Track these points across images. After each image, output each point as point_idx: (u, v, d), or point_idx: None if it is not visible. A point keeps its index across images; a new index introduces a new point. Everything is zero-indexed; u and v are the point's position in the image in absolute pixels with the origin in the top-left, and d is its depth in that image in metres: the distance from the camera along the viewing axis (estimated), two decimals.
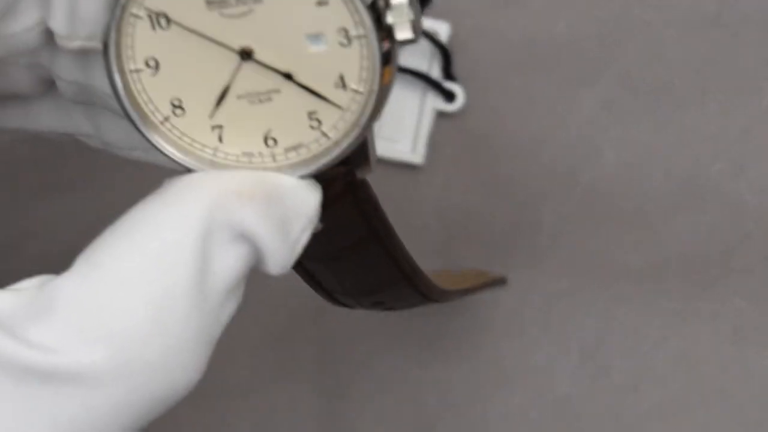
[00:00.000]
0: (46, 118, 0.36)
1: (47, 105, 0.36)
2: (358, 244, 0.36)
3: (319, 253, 0.34)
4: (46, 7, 0.32)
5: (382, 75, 0.31)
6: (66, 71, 0.34)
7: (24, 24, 0.32)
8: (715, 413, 0.49)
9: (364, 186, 0.35)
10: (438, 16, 0.54)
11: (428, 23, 0.54)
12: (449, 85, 0.54)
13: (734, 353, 0.50)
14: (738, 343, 0.49)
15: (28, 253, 0.50)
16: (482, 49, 0.53)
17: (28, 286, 0.30)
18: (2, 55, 0.32)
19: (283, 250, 0.31)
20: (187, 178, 0.31)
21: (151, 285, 0.29)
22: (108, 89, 0.33)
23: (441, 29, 0.54)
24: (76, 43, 0.32)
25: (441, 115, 0.54)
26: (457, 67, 0.54)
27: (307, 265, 0.37)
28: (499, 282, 0.50)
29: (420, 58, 0.55)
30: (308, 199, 0.32)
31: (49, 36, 0.33)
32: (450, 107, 0.54)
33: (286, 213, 0.31)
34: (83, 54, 0.33)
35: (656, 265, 0.51)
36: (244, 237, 0.30)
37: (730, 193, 0.51)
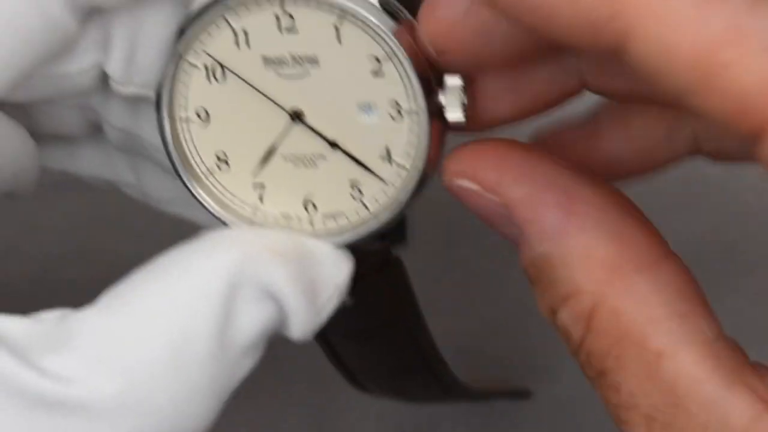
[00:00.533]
0: (90, 163, 0.36)
1: (93, 150, 0.36)
2: (385, 325, 0.36)
3: (344, 329, 0.34)
4: (105, 51, 0.32)
5: (428, 153, 0.31)
6: (116, 117, 0.34)
7: (80, 65, 0.32)
8: None
9: (397, 264, 0.34)
10: None
11: None
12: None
13: None
14: (737, 343, 0.49)
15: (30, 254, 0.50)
16: None
17: (49, 316, 0.30)
18: (54, 94, 0.33)
19: (308, 315, 0.30)
20: (221, 231, 0.31)
21: (172, 327, 0.29)
22: (155, 140, 0.33)
23: None
24: (131, 89, 0.32)
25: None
26: None
27: (331, 338, 0.37)
28: (523, 394, 0.49)
29: None
30: (340, 268, 0.31)
31: (102, 79, 0.33)
32: None
33: (317, 278, 0.31)
34: (135, 101, 0.33)
35: None
36: (272, 296, 0.30)
37: (730, 193, 0.51)
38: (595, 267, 0.28)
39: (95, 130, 0.35)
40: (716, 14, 0.22)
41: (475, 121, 0.31)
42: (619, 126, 0.33)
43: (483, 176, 0.30)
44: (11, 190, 0.34)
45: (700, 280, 0.46)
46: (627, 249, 0.28)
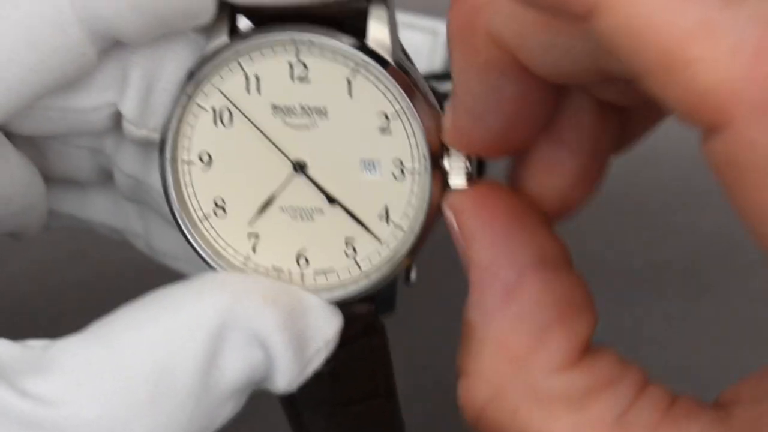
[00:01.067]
0: (99, 209, 0.36)
1: (102, 196, 0.36)
2: (359, 397, 0.35)
3: (314, 397, 0.33)
4: (121, 90, 0.32)
5: (426, 216, 0.31)
6: (126, 163, 0.34)
7: (94, 102, 0.32)
8: None
9: (381, 333, 0.34)
10: (438, 16, 0.54)
11: (428, 23, 0.54)
12: (450, 86, 0.54)
13: (734, 353, 0.50)
14: (738, 343, 0.49)
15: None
16: None
17: (38, 343, 0.29)
18: (67, 130, 0.33)
19: (294, 366, 0.30)
20: (216, 273, 0.31)
21: (156, 361, 0.29)
22: (162, 191, 0.33)
23: (441, 29, 0.54)
24: (142, 132, 0.32)
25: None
26: None
27: (299, 404, 0.35)
28: None
29: (416, 56, 0.55)
30: (330, 323, 0.31)
31: (115, 122, 0.33)
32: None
33: (306, 330, 0.30)
34: (146, 149, 0.33)
35: (656, 265, 0.51)
36: (259, 342, 0.30)
37: None
38: (500, 357, 0.28)
39: (106, 177, 0.35)
40: (690, 6, 0.22)
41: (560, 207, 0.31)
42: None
43: (464, 223, 0.29)
44: (17, 229, 0.34)
45: (701, 280, 0.46)
46: (536, 346, 0.28)
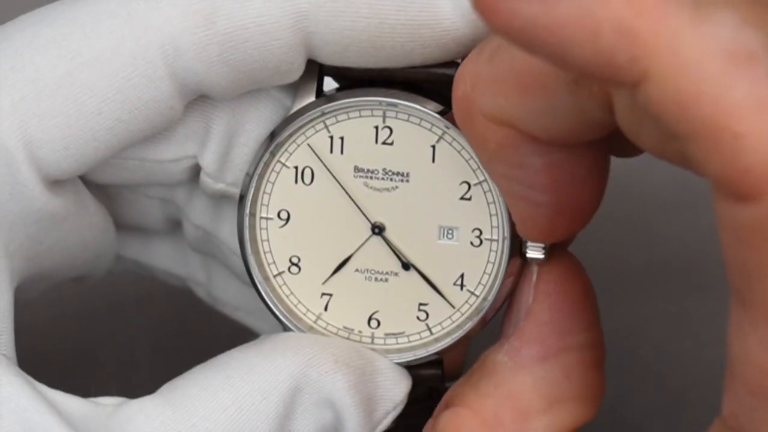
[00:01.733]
0: (163, 257, 0.36)
1: (168, 244, 0.36)
2: None
3: None
4: (201, 143, 0.32)
5: (501, 285, 0.31)
6: (196, 215, 0.34)
7: (174, 154, 0.32)
8: (715, 413, 0.49)
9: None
10: None
11: None
12: None
13: None
14: None
15: None
16: None
17: (108, 401, 0.30)
18: (143, 180, 0.33)
19: (363, 428, 0.30)
20: (287, 334, 0.31)
21: (230, 425, 0.29)
22: (231, 243, 0.33)
23: None
24: (220, 186, 0.32)
25: None
26: None
27: None
28: None
29: None
30: (399, 385, 0.31)
31: (192, 174, 0.33)
32: None
33: (376, 392, 0.31)
34: (217, 201, 0.33)
35: (656, 265, 0.51)
36: (330, 404, 0.30)
37: None
38: (508, 409, 0.30)
39: (173, 227, 0.35)
40: (740, 79, 0.22)
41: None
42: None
43: (542, 280, 0.31)
44: (86, 273, 0.34)
45: (700, 280, 0.46)
46: (548, 414, 0.30)
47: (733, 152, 0.22)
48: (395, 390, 0.31)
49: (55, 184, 0.31)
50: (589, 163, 0.29)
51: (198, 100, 0.31)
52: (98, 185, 0.33)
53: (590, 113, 0.26)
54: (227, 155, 0.32)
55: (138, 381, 0.45)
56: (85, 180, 0.32)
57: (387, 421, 0.31)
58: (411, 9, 0.30)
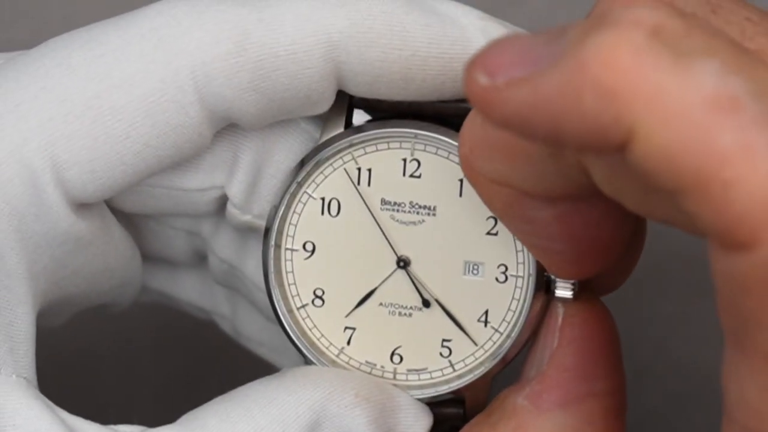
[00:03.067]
0: (189, 289, 0.36)
1: (193, 277, 0.36)
2: None
3: None
4: (229, 174, 0.32)
5: (526, 323, 0.31)
6: (222, 248, 0.34)
7: (202, 184, 0.32)
8: (714, 414, 0.49)
9: None
10: None
11: None
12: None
13: None
14: None
15: None
16: None
17: (127, 430, 0.29)
18: (169, 210, 0.32)
19: None
20: (308, 368, 0.31)
21: None
22: (256, 277, 0.33)
23: None
24: (247, 218, 0.32)
25: None
26: None
27: None
28: None
29: None
30: (420, 421, 0.31)
31: (218, 205, 0.32)
32: None
33: (396, 428, 0.31)
34: (243, 235, 0.33)
35: (656, 265, 0.51)
36: None
37: None
38: None
39: (199, 259, 0.35)
40: (726, 126, 0.22)
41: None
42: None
43: (567, 326, 0.30)
44: (111, 301, 0.34)
45: (700, 280, 0.46)
46: None
47: (723, 201, 0.22)
48: (416, 427, 0.31)
49: (81, 207, 0.30)
50: (603, 207, 0.28)
51: (227, 129, 0.31)
52: (124, 213, 0.32)
53: (574, 177, 0.26)
54: (255, 186, 0.32)
55: (139, 384, 0.45)
56: (112, 207, 0.32)
57: None
58: (443, 42, 0.30)
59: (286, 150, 0.32)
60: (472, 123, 0.28)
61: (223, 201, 0.32)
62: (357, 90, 0.30)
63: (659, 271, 0.51)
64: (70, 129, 0.29)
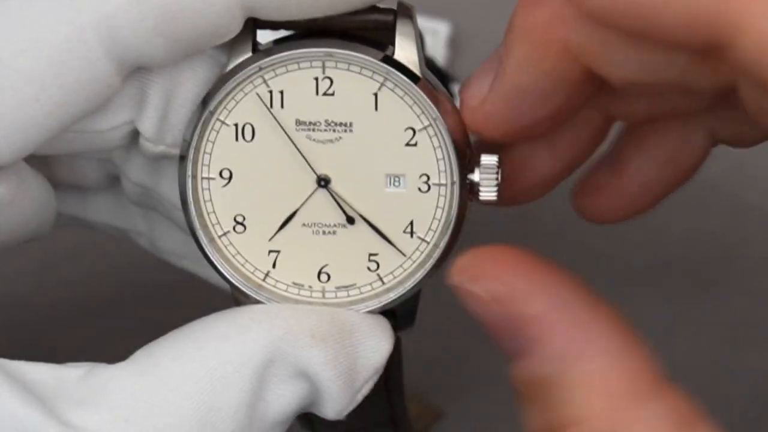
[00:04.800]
0: (103, 212, 0.36)
1: (107, 199, 0.36)
2: (372, 424, 0.35)
3: (331, 424, 0.33)
4: (138, 109, 0.31)
5: (452, 230, 0.31)
6: (135, 173, 0.33)
7: (112, 123, 0.31)
8: (714, 414, 0.49)
9: (397, 349, 0.33)
10: (438, 15, 0.54)
11: (428, 23, 0.54)
12: (450, 86, 0.54)
13: (734, 354, 0.50)
14: (738, 344, 0.49)
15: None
16: (482, 49, 0.53)
17: (78, 369, 0.29)
18: (82, 150, 0.32)
19: (344, 397, 0.30)
20: (265, 306, 0.31)
21: (202, 396, 0.29)
22: (172, 197, 0.32)
23: (441, 29, 0.54)
24: (160, 148, 0.32)
25: None
26: (457, 67, 0.54)
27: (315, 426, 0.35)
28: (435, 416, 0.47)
29: None
30: (379, 351, 0.31)
31: (130, 138, 0.32)
32: None
33: (355, 362, 0.30)
34: (156, 159, 0.33)
35: (656, 266, 0.51)
36: (307, 376, 0.30)
37: (730, 193, 0.51)
38: (606, 395, 0.27)
39: (112, 182, 0.35)
40: None
41: (509, 195, 0.32)
42: (639, 149, 0.33)
43: (495, 286, 0.28)
44: (26, 239, 0.33)
45: (700, 280, 0.46)
46: (635, 378, 0.28)
47: None
48: (375, 356, 0.31)
49: None
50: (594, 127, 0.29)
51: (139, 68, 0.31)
52: (36, 156, 0.32)
53: (697, 81, 0.26)
54: (165, 118, 0.31)
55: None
56: None
57: (368, 387, 0.31)
58: None
59: (195, 79, 0.31)
60: None
61: (135, 134, 0.32)
62: (268, 15, 0.30)
63: (659, 271, 0.51)
64: None
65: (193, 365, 0.29)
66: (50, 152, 0.32)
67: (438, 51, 0.54)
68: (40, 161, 0.33)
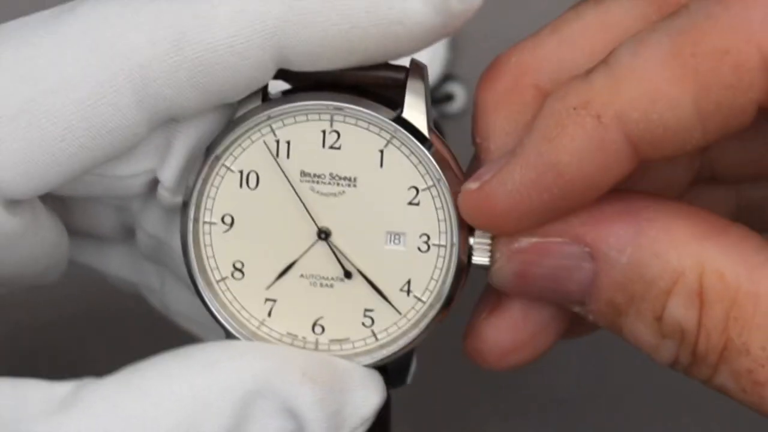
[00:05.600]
0: (117, 263, 0.36)
1: (122, 252, 0.36)
2: None
3: None
4: (161, 158, 0.31)
5: (449, 291, 0.31)
6: (150, 224, 0.33)
7: (134, 169, 0.31)
8: (714, 414, 0.49)
9: (386, 407, 0.33)
10: None
11: None
12: (450, 86, 0.54)
13: None
14: None
15: None
16: (482, 49, 0.53)
17: (69, 384, 0.29)
18: (100, 194, 0.32)
19: None
20: (258, 343, 0.31)
21: (183, 415, 0.29)
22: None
23: None
24: (177, 199, 0.32)
25: (442, 117, 0.54)
26: (458, 67, 0.54)
27: None
28: None
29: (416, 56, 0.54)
30: (370, 400, 0.31)
31: (149, 186, 0.32)
32: (450, 108, 0.54)
33: (344, 408, 0.30)
34: (170, 211, 0.33)
35: None
36: (293, 414, 0.29)
37: None
38: (684, 243, 0.29)
39: (127, 234, 0.35)
40: None
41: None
42: None
43: (546, 227, 0.30)
44: (37, 282, 0.34)
45: None
46: (701, 221, 0.29)
47: None
48: (365, 405, 0.31)
49: (12, 204, 0.30)
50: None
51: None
52: (53, 197, 0.32)
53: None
54: (186, 169, 0.32)
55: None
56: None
57: None
58: (380, 8, 0.29)
59: (217, 130, 0.31)
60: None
61: (153, 182, 0.32)
62: (300, 68, 0.30)
63: None
64: (4, 132, 0.29)
65: (179, 384, 0.29)
66: (68, 193, 0.32)
67: (438, 52, 0.54)
68: (57, 203, 0.33)
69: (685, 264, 0.28)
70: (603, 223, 0.29)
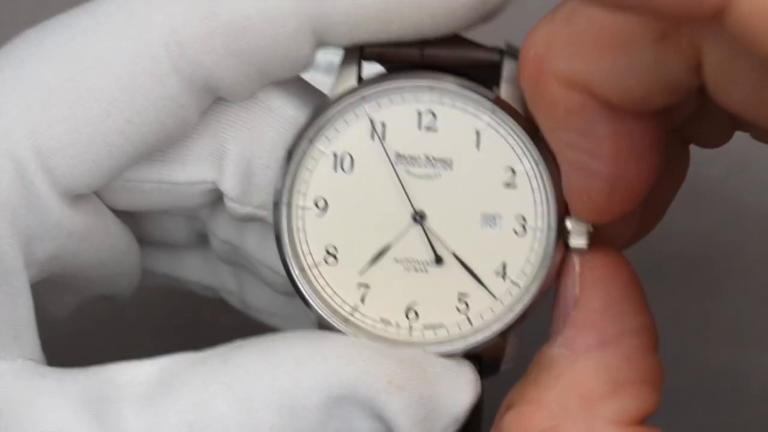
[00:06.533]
0: (193, 270, 0.36)
1: (197, 257, 0.36)
2: None
3: None
4: (219, 168, 0.31)
5: (545, 275, 0.30)
6: (222, 230, 0.33)
7: (190, 176, 0.31)
8: (714, 413, 0.49)
9: (480, 399, 0.32)
10: None
11: None
12: None
13: (734, 353, 0.50)
14: (737, 344, 0.49)
15: None
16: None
17: (152, 364, 0.30)
18: (162, 204, 0.32)
19: None
20: (348, 340, 0.30)
21: (266, 416, 0.29)
22: (259, 254, 0.32)
23: None
24: (247, 209, 0.32)
25: None
26: None
27: None
28: None
29: None
30: (461, 400, 0.30)
31: (213, 198, 0.32)
32: None
33: (434, 411, 0.30)
34: (245, 220, 0.32)
35: (656, 265, 0.51)
36: (381, 419, 0.29)
37: (730, 193, 0.51)
38: (572, 397, 0.29)
39: (200, 239, 0.35)
40: None
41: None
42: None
43: (587, 270, 0.31)
44: (109, 291, 0.34)
45: (701, 280, 0.46)
46: (611, 400, 0.30)
47: None
48: (455, 405, 0.30)
49: (75, 200, 0.30)
50: (651, 137, 0.28)
51: (211, 120, 0.31)
52: (121, 212, 0.32)
53: (672, 73, 0.26)
54: (248, 179, 0.31)
55: None
56: (107, 206, 0.32)
57: None
58: None
59: (275, 139, 0.31)
60: (550, 21, 0.28)
61: (216, 195, 0.32)
62: (338, 40, 0.30)
63: (663, 269, 0.51)
64: (49, 115, 0.29)
65: (262, 381, 0.29)
66: (131, 206, 0.32)
67: None
68: (126, 217, 0.33)
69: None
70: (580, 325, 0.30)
